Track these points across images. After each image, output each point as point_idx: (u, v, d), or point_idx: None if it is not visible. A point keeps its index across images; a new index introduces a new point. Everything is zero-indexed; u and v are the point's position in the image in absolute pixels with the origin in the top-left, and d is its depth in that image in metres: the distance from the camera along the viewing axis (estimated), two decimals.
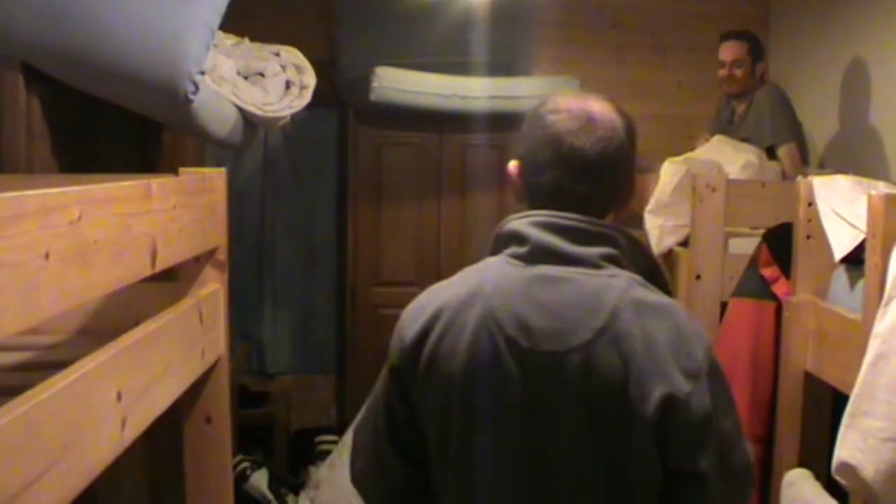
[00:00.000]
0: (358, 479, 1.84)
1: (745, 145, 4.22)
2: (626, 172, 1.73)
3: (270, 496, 4.71)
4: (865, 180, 2.70)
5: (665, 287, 1.75)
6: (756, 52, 4.59)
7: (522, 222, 1.69)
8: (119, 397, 1.48)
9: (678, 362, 1.58)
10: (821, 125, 4.92)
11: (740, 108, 4.61)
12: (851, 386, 1.98)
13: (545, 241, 1.65)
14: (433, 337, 1.66)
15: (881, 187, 2.55)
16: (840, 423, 1.99)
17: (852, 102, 4.64)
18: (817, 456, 2.65)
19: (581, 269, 1.63)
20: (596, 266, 1.63)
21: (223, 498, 2.37)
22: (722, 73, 4.61)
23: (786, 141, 4.32)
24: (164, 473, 2.81)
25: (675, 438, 1.58)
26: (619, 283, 1.62)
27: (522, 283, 1.64)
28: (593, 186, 1.68)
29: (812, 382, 2.66)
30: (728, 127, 4.62)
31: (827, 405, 2.71)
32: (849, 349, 2.25)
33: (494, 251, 1.73)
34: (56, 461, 1.23)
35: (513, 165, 1.82)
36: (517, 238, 1.68)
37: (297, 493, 4.83)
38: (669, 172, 3.81)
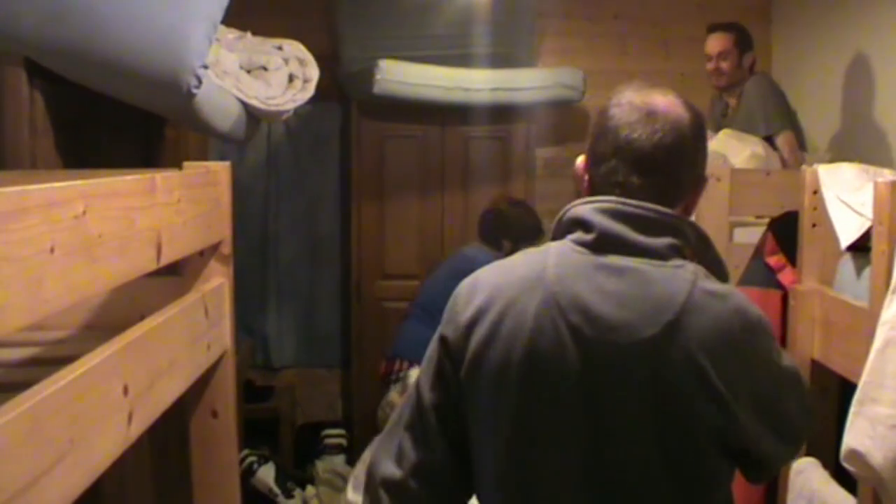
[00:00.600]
0: (377, 460, 1.77)
1: (750, 137, 4.20)
2: (688, 165, 1.71)
3: (277, 490, 4.72)
4: (871, 168, 2.69)
5: (726, 280, 1.75)
6: (743, 43, 4.55)
7: (587, 208, 1.67)
8: (125, 392, 1.47)
9: (749, 358, 1.60)
10: (823, 115, 4.90)
11: (732, 100, 4.59)
12: (858, 374, 1.97)
13: (612, 230, 1.63)
14: (491, 317, 1.64)
15: (887, 175, 2.54)
16: (847, 411, 1.98)
17: (855, 91, 4.62)
18: (825, 444, 2.64)
19: (648, 260, 1.61)
20: (663, 257, 1.62)
21: (230, 492, 2.37)
22: (709, 66, 4.58)
23: (782, 130, 4.30)
24: (171, 468, 2.81)
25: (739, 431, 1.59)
26: (688, 276, 1.61)
27: (588, 270, 1.62)
28: (649, 178, 1.66)
29: (819, 371, 2.66)
30: (722, 120, 4.59)
31: (834, 393, 2.70)
32: (856, 337, 2.24)
33: (556, 237, 1.73)
34: (63, 456, 1.23)
35: (580, 160, 1.81)
36: (582, 225, 1.67)
37: (303, 487, 4.84)
38: None
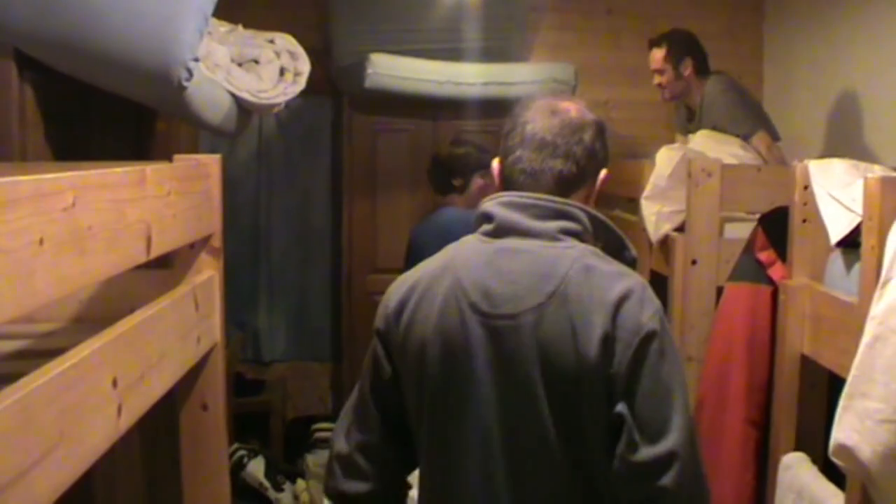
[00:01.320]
0: (335, 436, 2.03)
1: (729, 137, 4.20)
2: (587, 155, 1.93)
3: (267, 484, 4.71)
4: (861, 164, 2.70)
5: (632, 261, 1.95)
6: (676, 53, 4.53)
7: (491, 203, 1.92)
8: (115, 384, 1.47)
9: (617, 317, 1.75)
10: (814, 111, 4.92)
11: (694, 106, 4.59)
12: (848, 369, 1.98)
13: (508, 218, 1.88)
14: (411, 304, 1.90)
15: (877, 171, 2.55)
16: (837, 406, 1.99)
17: (846, 88, 4.64)
18: (814, 439, 2.65)
19: (540, 242, 1.84)
20: (554, 239, 1.85)
21: (219, 486, 2.37)
22: (654, 82, 4.61)
23: (753, 131, 4.28)
24: (161, 461, 2.81)
25: (610, 382, 1.75)
26: (573, 253, 1.82)
27: (488, 255, 1.86)
28: (549, 162, 1.91)
29: (808, 366, 2.66)
30: (689, 125, 4.59)
31: (823, 388, 2.71)
32: (845, 332, 2.25)
33: (472, 231, 1.96)
34: (52, 448, 1.22)
35: (495, 162, 2.01)
36: (486, 217, 1.92)
37: (293, 481, 4.83)
38: (665, 159, 3.80)
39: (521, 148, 1.93)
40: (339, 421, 2.04)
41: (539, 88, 5.05)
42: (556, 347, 1.76)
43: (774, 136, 4.42)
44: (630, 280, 1.82)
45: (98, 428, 1.41)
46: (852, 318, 2.17)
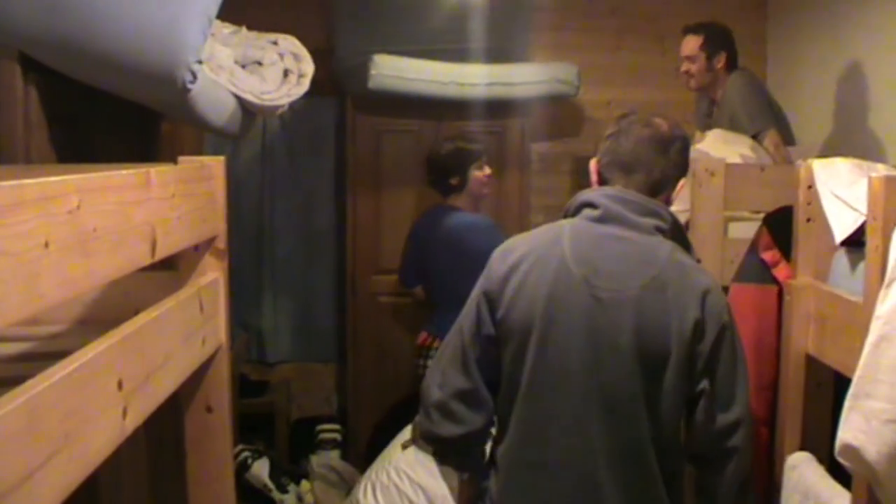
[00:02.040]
0: (428, 388, 2.37)
1: (740, 137, 4.19)
2: (666, 166, 2.30)
3: (272, 485, 4.71)
4: (865, 163, 2.70)
5: (698, 261, 2.34)
6: (712, 44, 4.52)
7: (595, 194, 2.31)
8: (120, 386, 1.47)
9: (705, 307, 2.15)
10: (818, 110, 4.91)
11: (715, 99, 4.58)
12: (853, 369, 1.98)
13: (613, 208, 2.25)
14: (520, 272, 2.24)
15: (881, 170, 2.54)
16: (842, 405, 1.99)
17: (850, 87, 4.63)
18: (820, 439, 2.65)
19: (639, 233, 2.23)
20: (650, 232, 2.23)
21: (224, 487, 2.37)
22: (681, 69, 4.59)
23: (766, 128, 4.28)
24: (166, 462, 2.81)
25: (694, 358, 2.15)
26: (667, 247, 2.22)
27: (594, 237, 2.24)
28: (632, 175, 2.29)
29: (814, 365, 2.66)
30: (707, 120, 4.58)
31: (828, 388, 2.71)
32: (850, 332, 2.25)
33: (567, 215, 2.34)
34: (57, 451, 1.22)
35: (593, 162, 2.41)
36: (590, 205, 2.28)
37: (298, 482, 4.84)
38: None
39: (618, 153, 2.32)
40: (429, 375, 2.40)
41: (542, 89, 5.06)
42: (654, 323, 2.14)
43: (787, 139, 4.42)
44: (709, 276, 2.26)
45: (103, 430, 1.41)
46: (857, 318, 2.17)
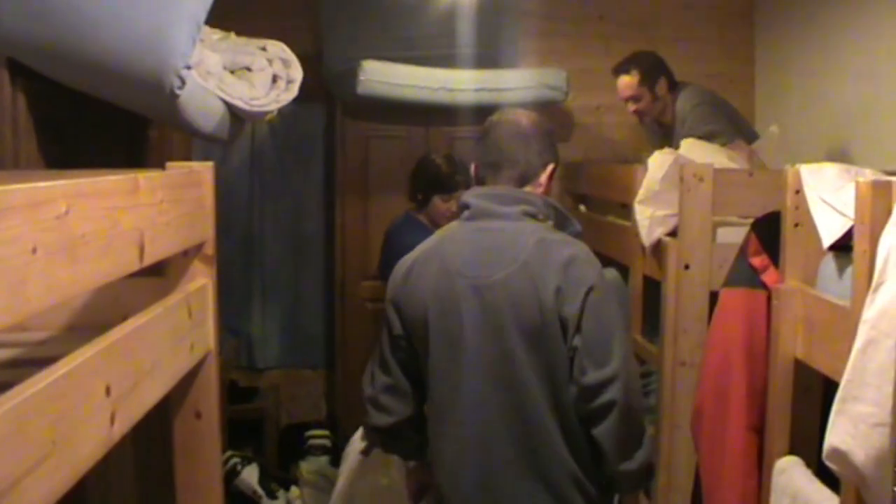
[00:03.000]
0: (364, 385, 2.72)
1: (714, 146, 4.19)
2: (530, 154, 2.61)
3: (261, 492, 4.71)
4: (853, 168, 2.70)
5: (577, 233, 2.62)
6: (648, 77, 4.54)
7: (468, 194, 2.62)
8: (108, 392, 1.47)
9: (567, 275, 2.39)
10: (804, 114, 4.93)
11: (666, 120, 4.58)
12: (841, 373, 1.98)
13: (481, 205, 2.56)
14: (413, 275, 2.56)
15: (868, 174, 2.55)
16: (830, 410, 1.99)
17: (836, 92, 4.65)
18: (808, 443, 2.65)
19: (505, 222, 2.50)
20: (516, 219, 2.51)
21: (213, 493, 2.36)
22: (629, 109, 4.61)
23: (730, 140, 4.29)
24: (154, 469, 2.80)
25: (565, 323, 2.38)
26: (532, 228, 2.48)
27: (467, 234, 2.55)
28: (501, 170, 2.59)
29: (802, 370, 2.67)
30: (665, 141, 4.58)
31: (817, 393, 2.71)
32: (838, 336, 2.25)
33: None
34: (45, 457, 1.22)
35: (472, 166, 2.72)
36: (465, 206, 2.60)
37: (287, 488, 4.83)
38: (658, 163, 3.81)
39: (486, 153, 2.63)
40: (364, 375, 2.72)
41: (531, 94, 5.06)
42: (522, 300, 2.40)
43: (750, 138, 4.42)
44: (575, 247, 2.48)
45: (91, 436, 1.40)
46: (845, 322, 2.17)
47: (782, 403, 2.72)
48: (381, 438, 2.84)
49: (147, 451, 2.84)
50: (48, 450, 1.23)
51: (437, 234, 2.67)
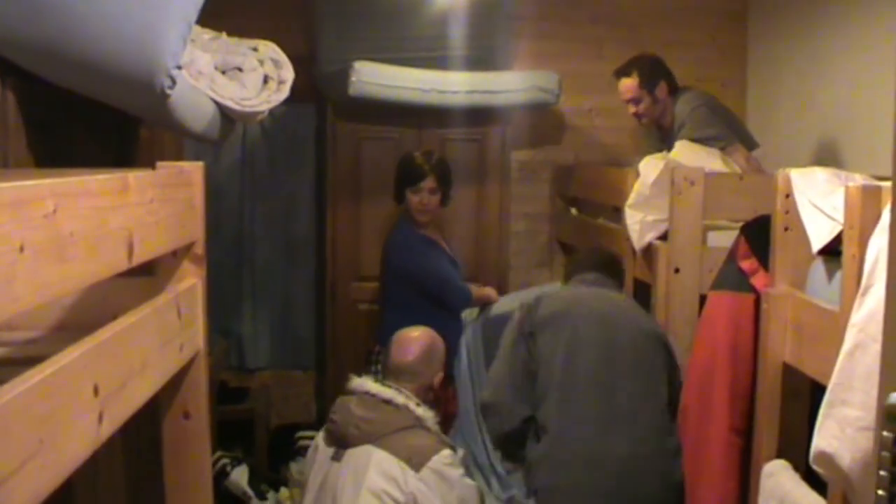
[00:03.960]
0: (489, 392, 3.39)
1: (709, 150, 4.20)
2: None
3: (251, 493, 4.70)
4: (843, 172, 2.71)
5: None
6: (649, 80, 4.56)
7: (577, 278, 3.60)
8: (96, 392, 1.46)
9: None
10: (797, 118, 4.94)
11: (668, 125, 4.59)
12: (829, 377, 1.99)
13: (591, 278, 3.52)
14: (557, 319, 3.28)
15: (858, 179, 2.56)
16: (818, 413, 2.00)
17: (829, 95, 4.66)
18: (796, 447, 2.66)
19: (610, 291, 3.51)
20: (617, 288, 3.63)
21: (202, 494, 2.36)
22: (629, 111, 4.63)
23: (728, 144, 4.30)
24: (143, 469, 2.79)
25: None
26: (625, 297, 3.62)
27: (592, 297, 3.41)
28: (601, 273, 3.64)
29: (790, 374, 2.67)
30: (663, 144, 4.59)
31: (805, 396, 2.72)
32: (827, 340, 2.26)
33: (567, 279, 3.70)
34: (32, 456, 1.22)
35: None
36: (581, 276, 3.57)
37: (277, 490, 4.82)
38: (649, 167, 3.82)
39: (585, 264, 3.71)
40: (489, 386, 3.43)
41: (523, 97, 5.07)
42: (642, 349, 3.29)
43: (750, 145, 4.44)
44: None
45: (79, 436, 1.40)
46: (834, 326, 2.18)
47: (771, 407, 2.73)
48: None
49: (136, 451, 2.84)
50: (35, 449, 1.23)
51: (568, 290, 3.62)
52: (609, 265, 3.62)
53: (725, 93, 5.55)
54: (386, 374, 3.53)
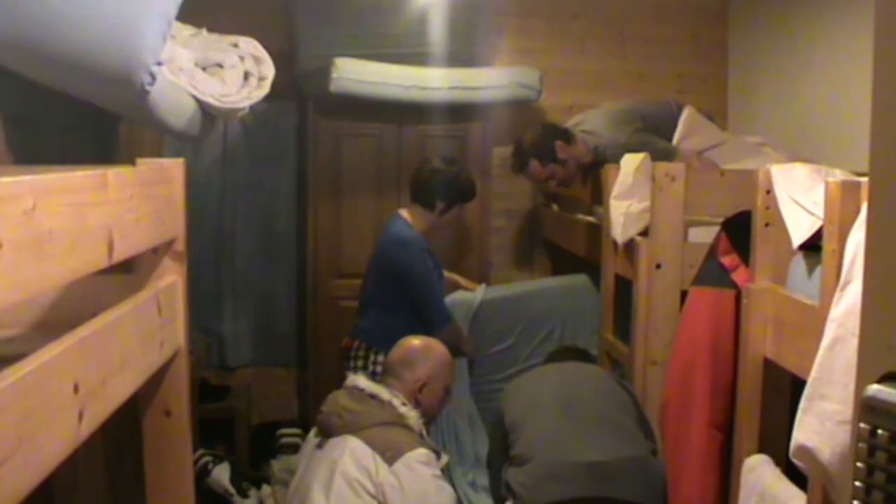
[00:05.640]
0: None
1: (756, 142, 4.24)
2: None
3: (232, 490, 4.68)
4: (823, 168, 2.72)
5: None
6: (545, 154, 4.62)
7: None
8: (76, 389, 1.46)
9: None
10: (779, 114, 4.95)
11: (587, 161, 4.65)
12: (809, 371, 2.00)
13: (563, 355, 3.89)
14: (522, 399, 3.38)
15: (838, 175, 2.57)
16: (798, 408, 2.01)
17: (810, 92, 4.68)
18: (777, 441, 2.67)
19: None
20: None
21: (183, 492, 2.35)
22: (552, 189, 4.71)
23: (675, 153, 4.35)
24: (124, 467, 2.79)
25: None
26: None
27: (561, 371, 3.57)
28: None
29: (771, 369, 2.68)
30: (589, 176, 4.65)
31: (786, 391, 2.73)
32: (807, 335, 2.27)
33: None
34: (10, 455, 1.21)
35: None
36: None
37: (259, 487, 4.81)
38: (629, 163, 3.82)
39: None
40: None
41: (504, 93, 5.07)
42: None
43: (669, 136, 4.50)
44: None
45: (58, 434, 1.39)
46: (814, 321, 2.19)
47: (751, 402, 2.74)
48: None
49: (117, 449, 2.83)
50: (14, 447, 1.22)
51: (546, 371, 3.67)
52: (582, 353, 3.97)
53: (705, 88, 5.58)
54: (382, 372, 3.65)
